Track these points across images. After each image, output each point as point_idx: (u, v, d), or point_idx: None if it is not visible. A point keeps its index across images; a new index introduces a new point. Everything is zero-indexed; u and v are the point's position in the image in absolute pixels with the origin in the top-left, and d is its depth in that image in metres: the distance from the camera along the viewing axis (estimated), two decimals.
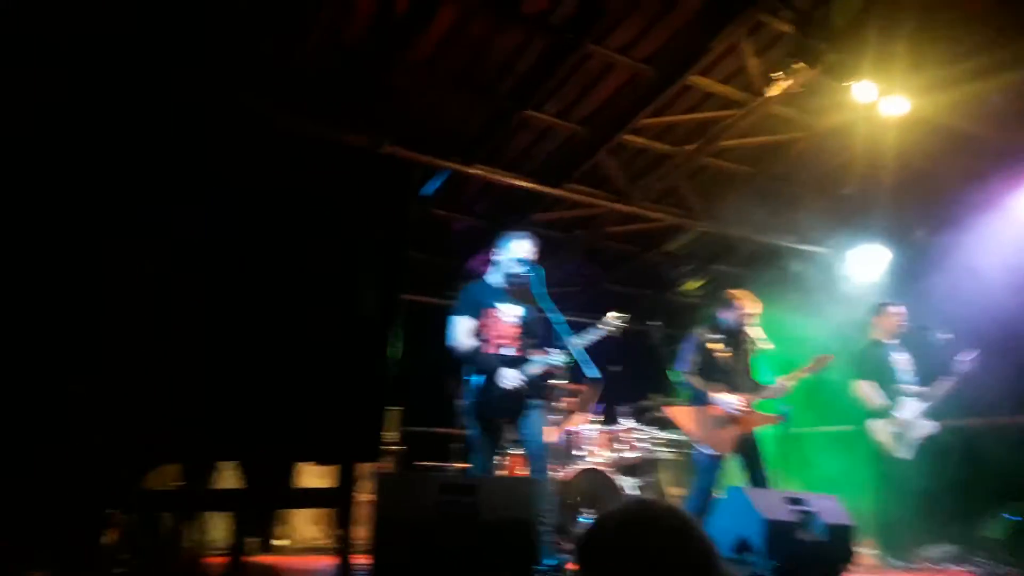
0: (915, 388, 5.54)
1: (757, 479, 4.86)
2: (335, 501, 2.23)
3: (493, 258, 4.63)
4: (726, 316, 5.14)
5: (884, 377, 5.55)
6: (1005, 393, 5.97)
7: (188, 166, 2.18)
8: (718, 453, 4.85)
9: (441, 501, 3.01)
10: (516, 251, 4.50)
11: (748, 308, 5.10)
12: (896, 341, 5.75)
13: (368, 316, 2.23)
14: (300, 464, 4.63)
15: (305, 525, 4.90)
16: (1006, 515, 5.08)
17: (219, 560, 2.44)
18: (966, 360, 5.43)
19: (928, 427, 5.43)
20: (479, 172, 6.36)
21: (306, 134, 5.27)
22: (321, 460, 2.34)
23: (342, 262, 2.26)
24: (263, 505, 2.35)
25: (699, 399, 5.00)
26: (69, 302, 1.91)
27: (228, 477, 2.61)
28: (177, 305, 2.08)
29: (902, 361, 5.67)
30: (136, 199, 2.12)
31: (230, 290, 2.14)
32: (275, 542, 4.79)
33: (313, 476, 4.66)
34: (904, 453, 5.36)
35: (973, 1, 5.13)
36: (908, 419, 5.41)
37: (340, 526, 2.22)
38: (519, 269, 4.46)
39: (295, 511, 4.86)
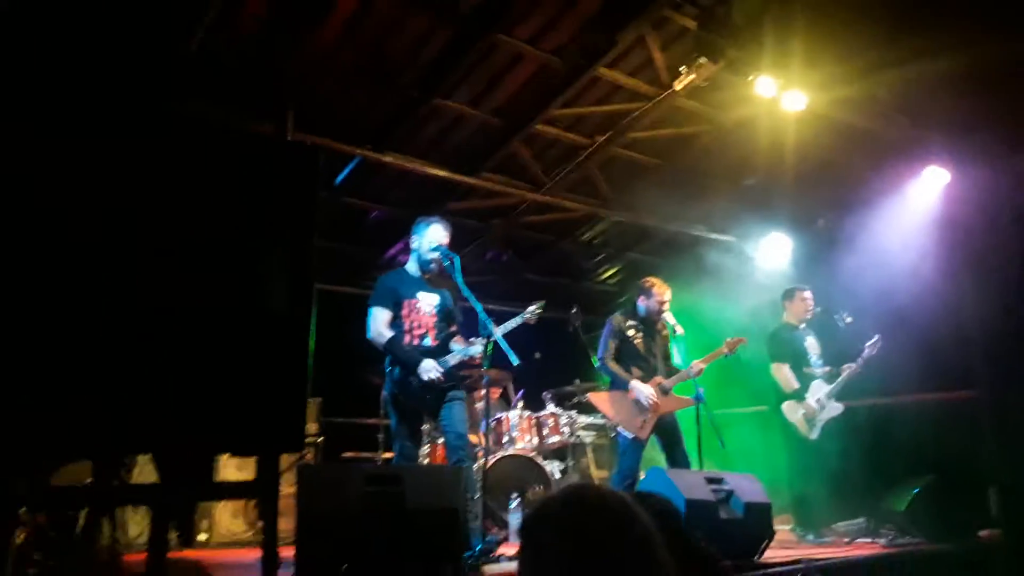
0: (823, 370, 5.81)
1: (677, 460, 5.01)
2: (257, 492, 2.17)
3: (410, 245, 4.61)
4: (643, 303, 5.27)
5: (796, 360, 5.80)
6: (906, 372, 6.32)
7: (89, 153, 2.08)
8: (638, 436, 4.98)
9: (366, 492, 2.98)
10: (431, 236, 4.50)
11: (663, 294, 5.24)
12: (804, 325, 6.02)
13: (281, 305, 2.18)
14: (221, 457, 4.53)
15: (226, 519, 4.76)
16: (909, 488, 5.39)
17: (138, 557, 2.34)
18: (869, 346, 5.73)
19: (835, 409, 5.71)
20: (391, 160, 6.30)
21: (209, 120, 5.12)
22: (240, 451, 2.28)
23: (249, 249, 2.19)
24: (182, 498, 2.27)
25: (618, 384, 5.12)
26: None
27: (148, 472, 2.50)
28: (87, 294, 1.99)
29: (811, 344, 5.94)
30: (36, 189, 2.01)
31: (139, 278, 2.05)
32: (198, 536, 4.64)
33: (233, 469, 4.55)
34: (814, 435, 5.63)
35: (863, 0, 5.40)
36: (817, 402, 5.67)
37: (263, 518, 2.16)
38: (435, 255, 4.45)
39: (216, 505, 4.72)
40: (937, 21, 5.31)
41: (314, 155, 2.22)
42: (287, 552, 2.65)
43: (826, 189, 7.47)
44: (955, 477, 5.50)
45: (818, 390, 5.70)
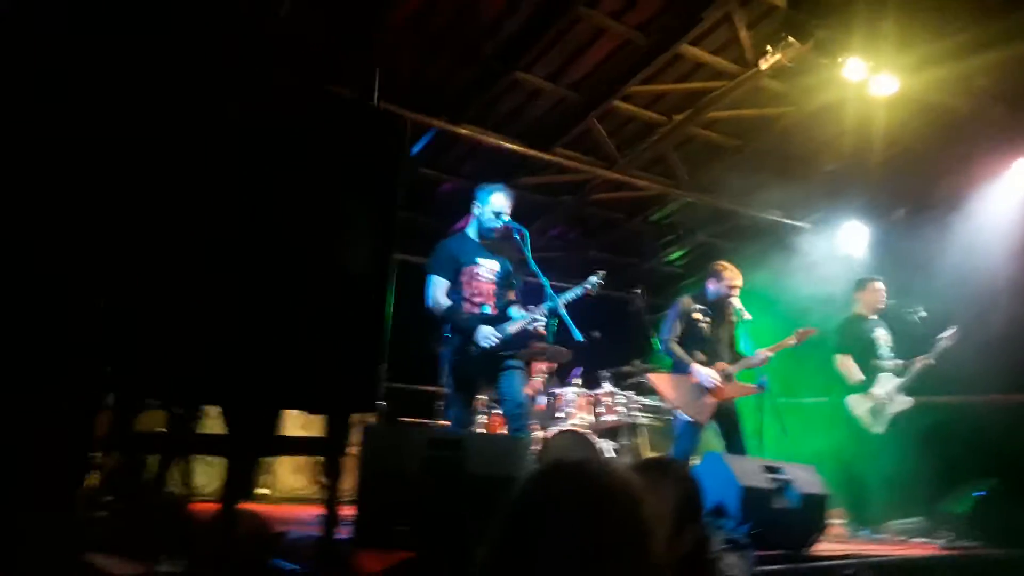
0: (893, 363, 5.64)
1: (735, 447, 4.96)
2: (326, 450, 2.25)
3: (472, 211, 4.59)
4: (712, 286, 5.20)
5: (864, 352, 5.64)
6: (980, 371, 6.10)
7: (178, 117, 2.16)
8: (697, 420, 4.94)
9: (428, 455, 3.05)
10: (493, 203, 4.46)
11: (733, 279, 5.16)
12: (876, 316, 5.84)
13: (361, 269, 2.24)
14: (284, 412, 4.68)
15: (288, 474, 4.94)
16: (972, 490, 5.23)
17: (204, 506, 2.47)
18: (945, 338, 5.54)
19: (904, 403, 5.55)
20: (467, 132, 6.33)
21: (294, 85, 5.23)
22: (314, 409, 2.37)
23: (333, 212, 2.25)
24: (253, 451, 2.38)
25: (680, 367, 5.08)
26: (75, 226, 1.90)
27: (212, 425, 2.62)
28: (173, 251, 2.08)
29: (882, 336, 5.76)
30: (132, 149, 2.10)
31: (224, 235, 2.13)
32: (258, 490, 4.83)
33: (296, 425, 4.70)
34: (879, 428, 5.48)
35: None
36: (885, 394, 5.52)
37: (327, 476, 2.25)
38: (498, 224, 4.44)
39: (277, 460, 4.89)
40: None
41: (400, 126, 2.26)
42: (346, 511, 2.75)
43: (910, 178, 7.20)
44: (1019, 483, 5.31)
45: (887, 383, 5.54)
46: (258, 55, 4.86)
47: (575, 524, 1.16)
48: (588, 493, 1.20)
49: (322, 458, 2.49)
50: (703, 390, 4.95)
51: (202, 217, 2.04)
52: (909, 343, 5.78)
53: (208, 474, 4.05)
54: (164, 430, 2.50)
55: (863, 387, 5.53)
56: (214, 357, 2.03)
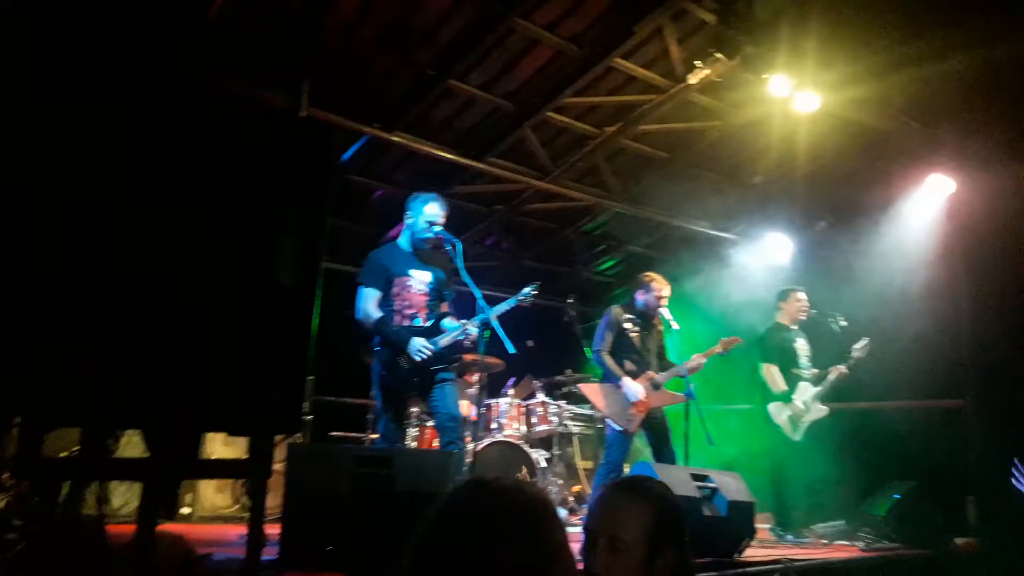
0: (810, 373, 5.83)
1: (664, 456, 5.04)
2: (249, 472, 2.18)
3: (405, 220, 4.53)
4: (641, 297, 5.28)
5: (786, 361, 5.81)
6: (896, 378, 6.36)
7: (87, 118, 2.06)
8: (627, 429, 5.00)
9: (356, 473, 3.00)
10: (427, 213, 4.41)
11: (661, 290, 5.25)
12: (797, 327, 6.02)
13: (287, 283, 2.18)
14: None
15: (211, 493, 4.78)
16: (890, 493, 5.44)
17: (122, 528, 2.36)
18: (857, 349, 5.75)
19: (819, 411, 5.73)
20: (400, 140, 6.27)
21: (223, 89, 5.09)
22: (235, 431, 2.29)
23: (256, 224, 2.19)
24: (173, 476, 2.28)
25: (610, 377, 5.13)
26: None
27: (134, 444, 2.51)
28: (90, 261, 1.99)
29: (802, 347, 5.95)
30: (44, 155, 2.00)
31: (142, 246, 2.05)
32: (180, 510, 4.66)
33: (220, 444, 4.56)
34: (797, 436, 5.65)
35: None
36: (803, 403, 5.69)
37: (252, 497, 2.18)
38: (429, 233, 4.39)
39: (201, 479, 4.72)
40: (950, 21, 5.28)
41: (329, 134, 2.21)
42: (272, 530, 2.67)
43: (830, 192, 7.46)
44: (935, 485, 5.56)
45: (805, 392, 5.72)
46: (184, 58, 4.73)
47: (487, 540, 1.18)
48: (501, 511, 1.22)
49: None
50: (632, 399, 5.02)
51: (116, 228, 1.95)
52: (829, 352, 5.98)
53: (125, 495, 3.88)
54: (77, 450, 2.39)
55: (786, 396, 5.69)
56: (130, 378, 1.94)
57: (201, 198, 2.13)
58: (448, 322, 4.41)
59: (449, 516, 1.26)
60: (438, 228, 4.40)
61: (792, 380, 5.74)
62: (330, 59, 5.48)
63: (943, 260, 6.61)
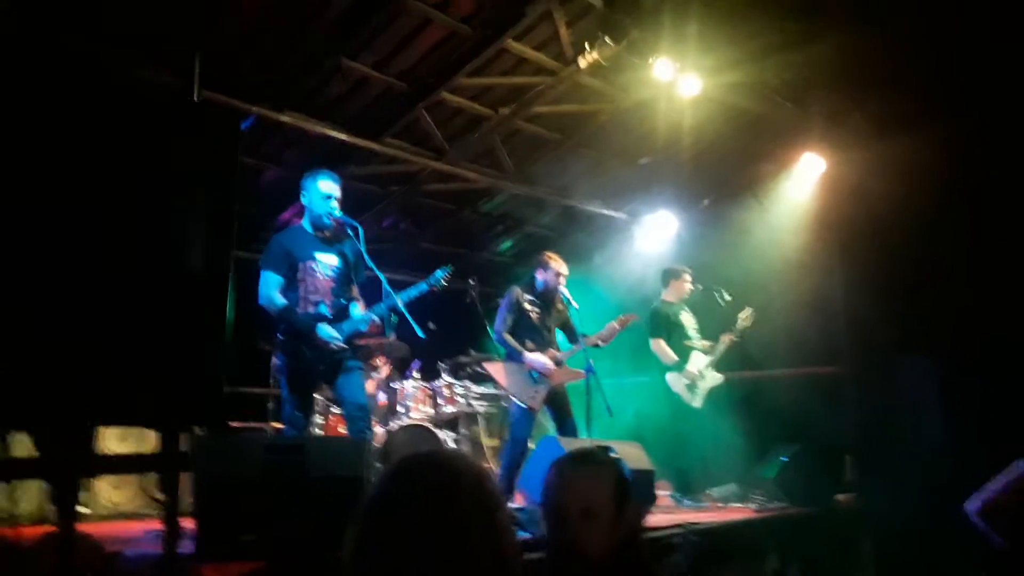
0: (701, 344, 6.15)
1: (567, 430, 5.20)
2: (160, 467, 2.12)
3: (302, 201, 4.42)
4: (541, 276, 5.39)
5: (675, 335, 6.11)
6: (778, 348, 6.77)
7: None
8: (531, 407, 5.12)
9: (267, 461, 2.95)
10: (321, 188, 4.32)
11: (560, 268, 5.37)
12: (681, 302, 6.34)
13: (194, 271, 2.12)
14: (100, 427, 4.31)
15: (108, 489, 4.55)
16: (778, 456, 5.81)
17: (21, 531, 2.24)
18: (742, 318, 6.11)
19: (715, 378, 6.07)
20: (290, 120, 6.09)
21: (112, 66, 4.78)
22: (145, 423, 2.21)
23: (162, 210, 2.11)
24: (74, 474, 2.17)
25: (513, 356, 5.23)
26: None
27: (21, 442, 2.38)
28: None
29: (687, 320, 6.27)
30: None
31: (36, 235, 1.95)
32: (76, 509, 4.41)
33: (114, 440, 4.35)
34: (697, 402, 5.96)
35: None
36: (697, 372, 6.00)
37: (165, 492, 2.12)
38: (327, 207, 4.30)
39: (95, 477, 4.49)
40: (819, 6, 5.62)
41: (235, 117, 2.15)
42: (184, 523, 2.60)
43: (714, 171, 7.82)
44: (818, 446, 5.98)
45: (697, 361, 6.03)
46: (61, 26, 4.42)
47: (431, 506, 1.25)
48: (440, 477, 1.30)
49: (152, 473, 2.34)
50: (535, 377, 5.13)
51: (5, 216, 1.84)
52: (715, 324, 6.31)
53: (13, 497, 3.64)
54: None
55: (678, 367, 5.98)
56: (15, 374, 1.84)
57: (97, 180, 2.03)
58: (356, 310, 4.36)
59: (389, 492, 1.31)
60: (335, 205, 4.32)
61: (684, 351, 6.04)
62: (212, 34, 5.25)
63: (817, 234, 7.06)
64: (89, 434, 2.23)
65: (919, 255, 5.94)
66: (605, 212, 8.49)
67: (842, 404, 6.57)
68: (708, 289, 6.43)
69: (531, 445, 5.33)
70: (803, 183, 7.35)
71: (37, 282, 1.95)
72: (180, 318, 1.99)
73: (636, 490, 4.17)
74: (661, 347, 6.07)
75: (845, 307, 6.81)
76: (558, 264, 5.38)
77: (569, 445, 4.28)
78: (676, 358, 6.01)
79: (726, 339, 6.07)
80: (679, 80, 6.02)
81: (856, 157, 6.73)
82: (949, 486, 5.14)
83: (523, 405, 5.13)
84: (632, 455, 4.49)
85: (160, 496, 2.14)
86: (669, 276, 6.40)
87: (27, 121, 1.89)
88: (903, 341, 6.21)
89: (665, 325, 6.15)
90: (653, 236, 8.40)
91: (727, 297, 6.37)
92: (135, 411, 2.08)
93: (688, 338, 6.15)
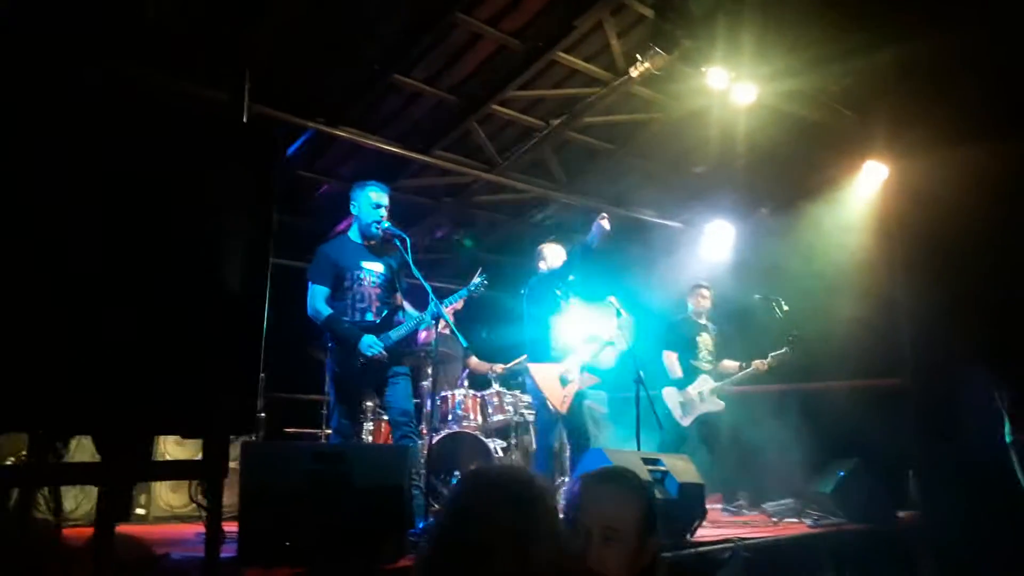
0: (711, 367, 6.12)
1: (580, 438, 5.13)
2: (203, 474, 2.19)
3: (351, 211, 4.52)
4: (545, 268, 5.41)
5: (686, 352, 6.13)
6: (837, 358, 6.59)
7: (31, 122, 2.05)
8: (559, 411, 5.05)
9: (311, 469, 3.02)
10: (371, 198, 4.42)
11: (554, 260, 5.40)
12: (704, 320, 6.29)
13: (235, 286, 2.19)
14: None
15: (165, 493, 4.73)
16: (835, 471, 5.65)
17: (77, 532, 2.35)
18: (779, 355, 5.97)
19: (715, 405, 6.03)
20: (345, 134, 6.25)
21: (163, 88, 5.01)
22: (188, 433, 2.30)
23: (204, 228, 2.19)
24: (126, 479, 2.26)
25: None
26: None
27: (84, 446, 2.50)
28: (33, 271, 1.97)
29: (704, 340, 6.23)
30: None
31: (87, 253, 2.04)
32: (135, 511, 4.61)
33: (172, 443, 4.51)
34: (685, 422, 5.95)
35: None
36: (700, 393, 5.99)
37: (208, 498, 2.19)
38: (377, 219, 4.39)
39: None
40: (881, 16, 5.48)
41: (274, 133, 2.22)
42: (230, 527, 2.69)
43: (771, 179, 7.65)
44: (878, 461, 5.78)
45: (703, 383, 5.99)
46: (118, 57, 4.64)
47: (507, 516, 1.35)
48: (518, 489, 1.41)
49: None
50: (565, 381, 5.08)
51: (59, 232, 1.94)
52: (770, 335, 6.19)
53: (77, 498, 3.83)
54: (25, 454, 2.36)
55: (680, 383, 5.97)
56: (78, 383, 1.94)
57: (146, 204, 2.12)
58: (401, 316, 4.44)
59: (456, 510, 1.42)
60: (386, 223, 4.41)
61: (691, 371, 6.02)
62: (272, 54, 5.42)
63: (879, 243, 6.85)
64: (149, 441, 2.32)
65: (987, 265, 5.72)
66: (660, 221, 8.41)
67: (904, 417, 6.34)
68: (766, 299, 6.32)
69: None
70: (865, 191, 7.15)
71: (100, 300, 2.04)
72: (220, 332, 2.06)
73: (685, 504, 4.16)
74: (670, 360, 6.17)
75: (908, 317, 6.59)
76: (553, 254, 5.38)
77: (616, 456, 4.23)
78: (680, 374, 6.00)
79: (759, 365, 5.99)
80: (733, 88, 5.94)
81: (921, 165, 6.51)
82: (1016, 505, 4.97)
83: (552, 410, 5.06)
84: (681, 468, 4.41)
85: (203, 501, 2.20)
86: (691, 291, 6.44)
87: (76, 145, 1.98)
88: (968, 353, 5.97)
89: (679, 340, 6.23)
90: (710, 245, 8.27)
91: (785, 308, 6.23)
92: (183, 421, 2.17)
93: (698, 359, 6.13)
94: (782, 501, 5.97)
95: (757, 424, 5.92)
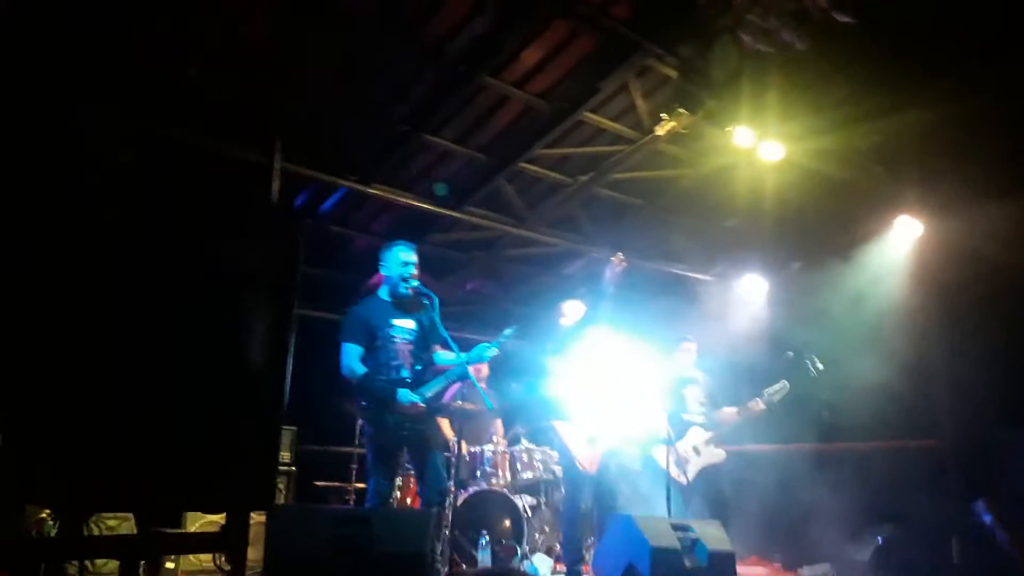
0: (703, 418, 5.94)
1: (608, 499, 5.05)
2: (226, 547, 2.23)
3: (381, 272, 4.59)
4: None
5: (674, 407, 5.88)
6: (872, 418, 6.44)
7: (69, 187, 2.14)
8: (587, 470, 4.99)
9: (335, 534, 3.03)
10: (400, 257, 4.50)
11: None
12: (689, 374, 6.14)
13: (259, 365, 2.25)
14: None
15: None
16: (873, 536, 5.49)
17: None
18: (775, 390, 5.84)
19: (715, 455, 5.86)
20: (377, 192, 6.39)
21: (196, 147, 5.20)
22: (211, 509, 2.34)
23: (231, 314, 2.26)
24: (155, 552, 2.31)
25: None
26: None
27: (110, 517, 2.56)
28: (62, 340, 2.05)
29: (691, 393, 6.06)
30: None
31: (108, 322, 2.12)
32: (164, 565, 4.64)
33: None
34: (684, 479, 5.73)
35: (832, 58, 5.55)
36: (694, 447, 5.83)
37: (231, 564, 2.23)
38: (404, 272, 4.45)
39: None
40: (909, 76, 5.49)
41: (298, 225, 2.30)
42: None
43: (803, 234, 7.62)
44: (918, 526, 5.61)
45: (695, 436, 5.83)
46: (157, 117, 4.81)
47: None
48: None
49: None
50: (592, 439, 5.03)
51: (93, 317, 2.02)
52: (804, 392, 6.07)
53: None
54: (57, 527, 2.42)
55: (668, 441, 5.80)
56: (112, 462, 2.00)
57: (173, 286, 2.20)
58: (443, 355, 4.47)
59: None
60: (414, 281, 4.47)
61: (682, 425, 5.84)
62: (304, 117, 5.61)
63: (914, 299, 6.74)
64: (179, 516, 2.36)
65: None
66: (690, 275, 8.40)
67: (944, 481, 6.16)
68: (800, 354, 6.21)
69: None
70: (899, 246, 7.06)
71: (129, 376, 2.11)
72: (242, 413, 2.11)
73: (715, 573, 4.06)
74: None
75: (947, 376, 6.44)
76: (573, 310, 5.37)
77: (645, 523, 4.15)
78: (667, 431, 5.80)
79: (753, 405, 5.83)
80: (760, 146, 5.96)
81: (958, 220, 6.43)
82: None
83: (579, 470, 5.01)
84: (712, 535, 4.31)
85: (226, 566, 2.24)
86: (674, 346, 6.24)
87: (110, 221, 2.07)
88: (1010, 414, 5.81)
89: (668, 396, 5.95)
90: (742, 300, 8.21)
91: (819, 365, 6.11)
92: (210, 499, 2.21)
93: (687, 411, 5.97)
94: (818, 565, 5.81)
95: (792, 483, 5.78)
